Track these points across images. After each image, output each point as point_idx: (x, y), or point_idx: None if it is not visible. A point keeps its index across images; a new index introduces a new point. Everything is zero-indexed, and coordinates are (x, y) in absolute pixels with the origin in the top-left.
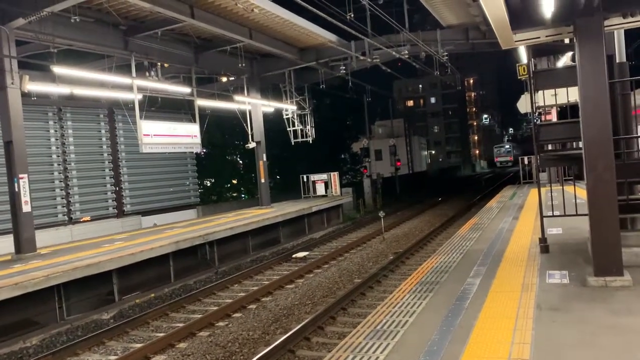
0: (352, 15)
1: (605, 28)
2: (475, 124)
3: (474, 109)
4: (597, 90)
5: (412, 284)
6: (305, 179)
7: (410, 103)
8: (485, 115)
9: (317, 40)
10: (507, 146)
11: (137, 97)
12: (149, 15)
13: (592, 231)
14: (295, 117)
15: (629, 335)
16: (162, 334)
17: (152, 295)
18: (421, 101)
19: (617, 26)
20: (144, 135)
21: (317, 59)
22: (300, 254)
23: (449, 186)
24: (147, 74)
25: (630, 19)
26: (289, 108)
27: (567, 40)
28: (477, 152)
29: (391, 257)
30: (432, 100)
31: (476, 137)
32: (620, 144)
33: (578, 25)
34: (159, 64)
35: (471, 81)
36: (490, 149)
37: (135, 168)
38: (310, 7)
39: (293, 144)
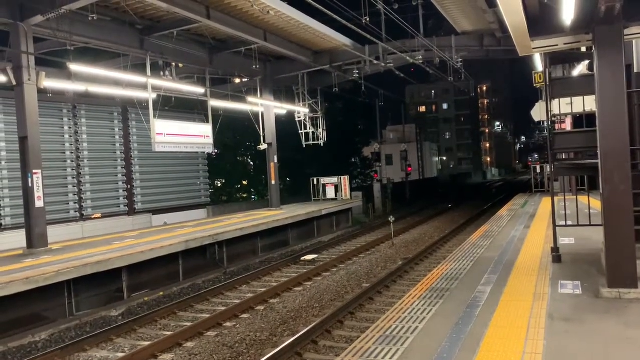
0: (368, 20)
1: (625, 37)
2: (487, 131)
3: (487, 116)
4: (615, 99)
5: (422, 290)
6: (315, 182)
7: (423, 109)
8: (498, 123)
9: (332, 43)
10: (537, 155)
11: (151, 96)
12: (166, 15)
13: (606, 242)
14: (308, 119)
15: None
16: (170, 333)
17: (161, 293)
18: (433, 107)
19: (637, 35)
20: (157, 134)
21: (331, 62)
22: (309, 257)
23: (460, 193)
24: (162, 73)
25: None
26: (301, 111)
27: (584, 49)
28: (489, 159)
29: (400, 263)
30: (445, 106)
31: (488, 145)
32: (636, 154)
33: (597, 33)
34: (174, 63)
35: (484, 88)
36: (501, 156)
37: (147, 167)
38: (326, 11)
39: (304, 146)
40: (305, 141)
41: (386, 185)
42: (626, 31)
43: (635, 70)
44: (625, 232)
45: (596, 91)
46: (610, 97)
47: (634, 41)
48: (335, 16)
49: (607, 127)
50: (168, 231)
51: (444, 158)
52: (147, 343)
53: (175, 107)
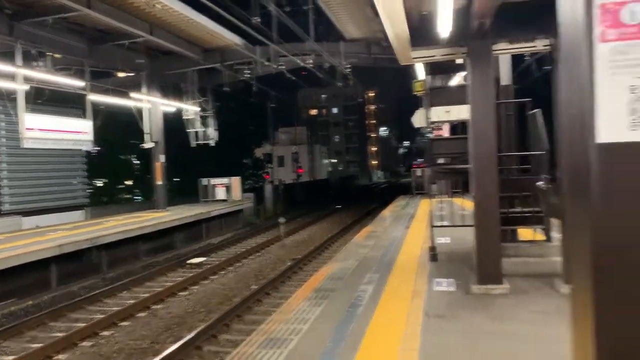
0: (259, 20)
1: (494, 52)
2: (374, 135)
3: (373, 121)
4: (486, 109)
5: (308, 291)
6: (205, 183)
7: (314, 112)
8: (384, 128)
9: (222, 41)
10: (420, 159)
11: (21, 87)
12: (39, 0)
13: (476, 242)
14: (198, 118)
15: (507, 340)
16: (38, 345)
17: (30, 302)
18: (324, 111)
19: (504, 51)
20: (27, 129)
21: (221, 60)
22: (196, 260)
23: (348, 194)
24: (35, 63)
25: (515, 45)
26: (189, 109)
27: (461, 60)
28: (375, 162)
29: (289, 263)
30: (334, 110)
31: (374, 149)
32: (502, 160)
33: (470, 47)
34: (50, 53)
35: (371, 94)
36: (386, 159)
37: (17, 164)
38: (216, 8)
39: (194, 145)
40: (195, 140)
41: (277, 186)
42: (494, 47)
43: (502, 83)
44: (492, 232)
45: (469, 101)
46: (481, 106)
47: (502, 56)
48: (224, 13)
49: (478, 134)
50: (40, 234)
51: (334, 160)
52: (10, 358)
53: (50, 100)
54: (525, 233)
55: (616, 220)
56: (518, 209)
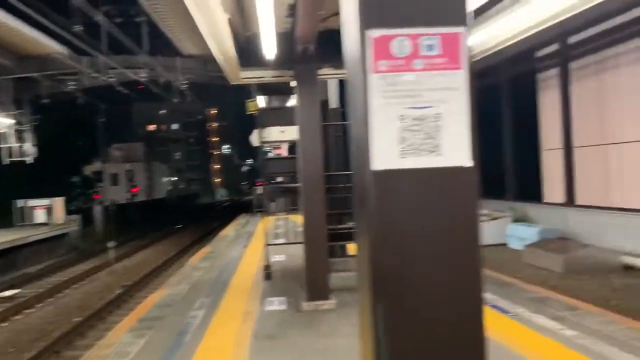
0: (81, 28)
1: (319, 76)
2: (216, 153)
3: (216, 138)
4: (312, 130)
5: (132, 321)
6: (21, 204)
7: (152, 127)
8: (227, 146)
9: (42, 49)
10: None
11: None
12: None
13: (305, 258)
14: (12, 132)
15: (332, 356)
16: None
17: None
18: (163, 126)
19: (329, 75)
20: None
21: (41, 70)
22: (7, 293)
23: (189, 214)
24: None
25: (340, 70)
26: (1, 122)
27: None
28: (218, 180)
29: (119, 291)
30: (175, 126)
31: (217, 166)
32: (331, 179)
33: (297, 70)
34: None
35: (213, 112)
36: (230, 177)
37: None
38: (27, 11)
39: (7, 163)
40: (9, 157)
41: (108, 207)
42: (319, 71)
43: (331, 106)
44: (320, 249)
45: (297, 122)
46: (308, 127)
47: (330, 81)
48: (41, 18)
49: (306, 155)
50: None
51: (175, 178)
52: None
53: None
54: (354, 248)
55: (389, 238)
56: (346, 225)
